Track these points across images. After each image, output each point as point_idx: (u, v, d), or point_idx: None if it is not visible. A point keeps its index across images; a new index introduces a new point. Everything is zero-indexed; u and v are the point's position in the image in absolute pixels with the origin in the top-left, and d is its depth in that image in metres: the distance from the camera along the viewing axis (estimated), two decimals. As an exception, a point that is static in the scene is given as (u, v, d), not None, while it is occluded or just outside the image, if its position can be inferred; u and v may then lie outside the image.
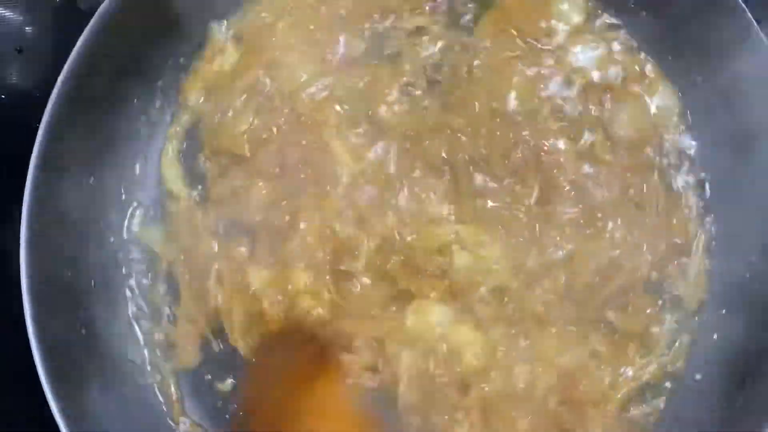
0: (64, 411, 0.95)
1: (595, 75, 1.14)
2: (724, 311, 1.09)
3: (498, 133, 1.12)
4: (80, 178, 1.08)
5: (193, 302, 1.13)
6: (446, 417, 1.06)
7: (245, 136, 1.13)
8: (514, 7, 1.16)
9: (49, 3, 1.25)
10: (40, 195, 1.00)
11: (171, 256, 1.14)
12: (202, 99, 1.19)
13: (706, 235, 1.12)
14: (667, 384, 1.10)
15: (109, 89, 1.10)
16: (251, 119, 1.14)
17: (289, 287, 1.09)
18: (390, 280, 1.08)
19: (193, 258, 1.13)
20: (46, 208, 1.01)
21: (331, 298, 1.08)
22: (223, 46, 1.19)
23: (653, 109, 1.14)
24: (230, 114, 1.15)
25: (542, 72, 1.14)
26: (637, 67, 1.15)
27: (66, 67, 1.02)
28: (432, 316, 1.07)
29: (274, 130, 1.13)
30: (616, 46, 1.16)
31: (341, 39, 1.16)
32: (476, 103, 1.13)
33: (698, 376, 1.09)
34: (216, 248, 1.13)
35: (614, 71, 1.15)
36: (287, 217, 1.10)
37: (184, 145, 1.18)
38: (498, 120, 1.12)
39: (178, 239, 1.15)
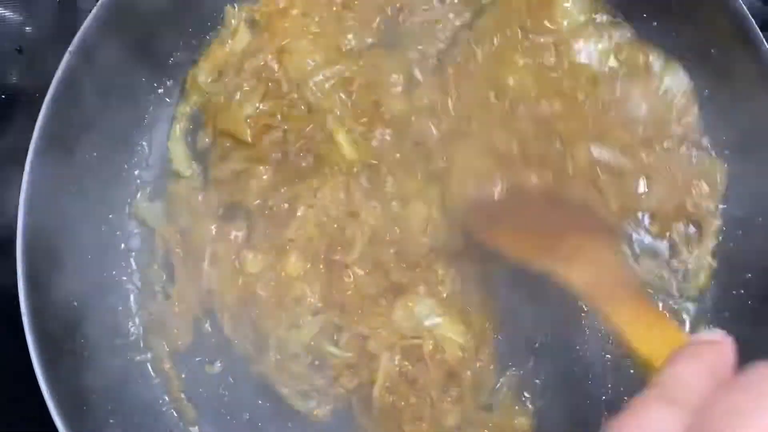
0: (51, 382, 0.95)
1: (598, 65, 1.13)
2: (708, 326, 1.09)
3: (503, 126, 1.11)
4: (83, 151, 1.09)
5: (187, 282, 1.13)
6: (424, 424, 1.05)
7: (249, 120, 1.13)
8: (516, 4, 1.15)
9: (49, 3, 1.25)
10: (39, 165, 1.00)
11: (169, 235, 1.14)
12: (211, 79, 1.19)
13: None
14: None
15: (118, 64, 1.10)
16: (257, 104, 1.14)
17: (283, 274, 1.08)
18: (383, 272, 1.08)
19: (190, 238, 1.13)
20: (44, 178, 1.01)
21: (323, 287, 1.08)
22: (235, 29, 1.19)
23: (663, 89, 1.13)
24: (237, 97, 1.15)
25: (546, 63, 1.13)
26: (641, 56, 1.14)
27: (75, 39, 1.03)
28: (420, 310, 1.07)
29: (279, 116, 1.13)
30: (618, 39, 1.15)
31: (351, 29, 1.17)
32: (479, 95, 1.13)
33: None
34: (213, 230, 1.13)
35: (618, 62, 1.14)
36: (285, 204, 1.10)
37: (192, 125, 1.19)
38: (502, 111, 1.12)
39: (177, 219, 1.15)
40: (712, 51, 1.07)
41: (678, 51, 1.11)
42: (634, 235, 1.09)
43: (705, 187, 1.10)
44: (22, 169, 0.99)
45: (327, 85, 1.14)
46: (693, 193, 1.09)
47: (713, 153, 1.11)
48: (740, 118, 1.07)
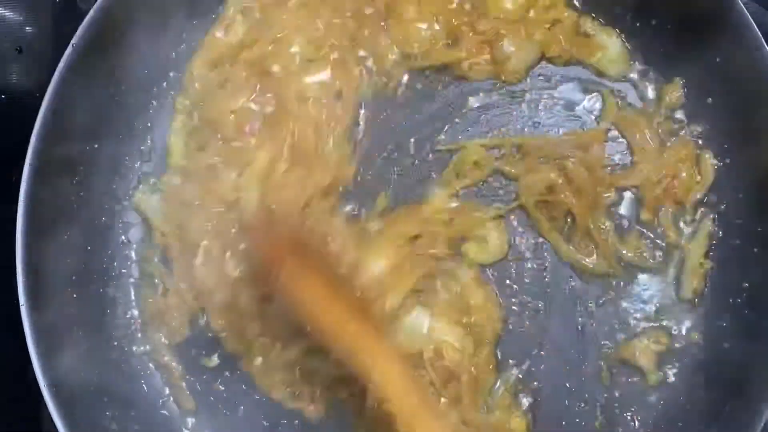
0: (51, 382, 0.96)
1: None
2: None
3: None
4: (84, 144, 1.09)
5: (183, 277, 1.12)
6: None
7: (233, 114, 1.13)
8: None
9: (49, 3, 1.24)
10: (40, 156, 1.00)
11: (167, 229, 1.14)
12: (206, 70, 1.18)
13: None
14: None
15: (120, 57, 1.10)
16: (249, 96, 1.14)
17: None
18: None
19: (186, 233, 1.12)
20: (46, 169, 1.02)
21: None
22: (233, 20, 1.18)
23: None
24: (228, 88, 1.15)
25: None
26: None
27: (78, 32, 1.03)
28: (414, 321, 1.07)
29: (268, 109, 1.13)
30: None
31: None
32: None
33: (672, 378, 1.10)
34: (209, 226, 1.12)
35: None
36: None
37: (191, 118, 1.17)
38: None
39: (174, 212, 1.14)
40: (717, 60, 1.07)
41: (680, 56, 1.12)
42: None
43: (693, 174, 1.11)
44: (22, 169, 0.99)
45: (316, 80, 1.14)
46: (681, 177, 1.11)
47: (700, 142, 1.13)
48: (742, 123, 1.08)
